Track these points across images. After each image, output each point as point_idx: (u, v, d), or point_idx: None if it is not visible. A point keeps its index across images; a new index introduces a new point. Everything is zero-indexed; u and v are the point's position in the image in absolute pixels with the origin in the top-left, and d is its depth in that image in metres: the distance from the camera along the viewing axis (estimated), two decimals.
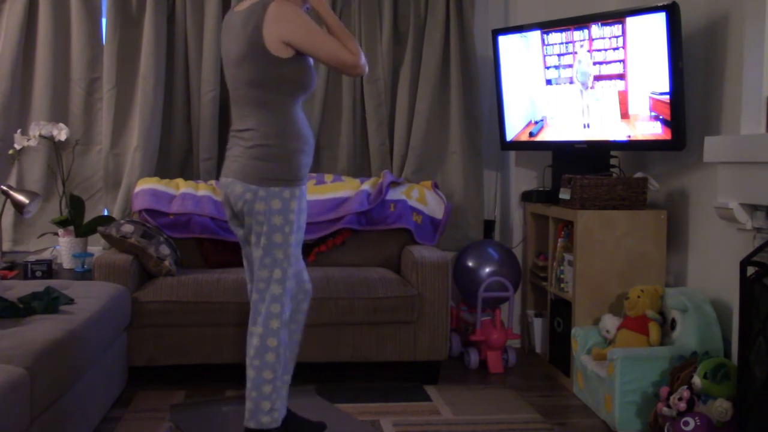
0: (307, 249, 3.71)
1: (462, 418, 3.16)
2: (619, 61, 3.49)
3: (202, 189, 3.94)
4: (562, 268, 3.68)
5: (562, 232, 3.73)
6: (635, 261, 3.46)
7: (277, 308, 2.57)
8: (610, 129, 3.61)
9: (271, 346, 2.57)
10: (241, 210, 2.57)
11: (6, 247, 4.04)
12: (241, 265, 3.81)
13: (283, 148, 2.54)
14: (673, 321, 3.17)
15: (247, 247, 2.72)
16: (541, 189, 4.10)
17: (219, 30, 4.10)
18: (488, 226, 4.38)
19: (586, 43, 3.62)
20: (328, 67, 2.60)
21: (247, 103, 2.57)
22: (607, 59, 3.55)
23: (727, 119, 3.19)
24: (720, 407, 2.64)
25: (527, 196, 4.15)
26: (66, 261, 3.90)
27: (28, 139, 3.90)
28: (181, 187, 3.94)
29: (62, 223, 3.92)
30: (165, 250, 3.54)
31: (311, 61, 2.60)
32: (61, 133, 3.93)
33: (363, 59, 2.55)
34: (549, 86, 3.88)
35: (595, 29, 3.57)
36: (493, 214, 4.48)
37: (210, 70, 4.10)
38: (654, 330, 3.16)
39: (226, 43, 2.63)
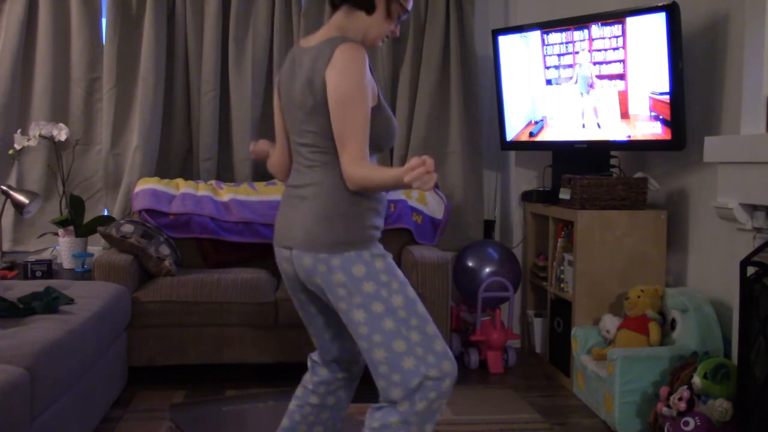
0: None
1: (462, 418, 3.16)
2: (619, 61, 3.49)
3: (202, 189, 3.94)
4: (562, 268, 3.68)
5: (562, 232, 3.73)
6: (635, 261, 3.46)
7: (416, 381, 2.02)
8: (610, 129, 3.61)
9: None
10: (318, 286, 2.07)
11: (6, 247, 4.04)
12: (241, 265, 3.84)
13: (353, 206, 2.05)
14: (673, 321, 3.18)
15: (317, 318, 2.25)
16: (541, 189, 4.10)
17: (219, 30, 4.11)
18: (488, 226, 4.38)
19: (586, 44, 3.62)
20: (338, 144, 2.03)
21: (312, 153, 2.10)
22: (607, 59, 3.55)
23: (727, 119, 3.19)
24: (720, 407, 2.64)
25: (527, 196, 4.15)
26: (66, 261, 3.90)
27: (28, 139, 3.90)
28: (181, 187, 3.94)
29: (62, 223, 3.92)
30: (165, 250, 3.54)
31: (388, 109, 2.13)
32: (61, 133, 3.93)
33: (350, 180, 2.00)
34: (549, 86, 3.88)
35: (595, 29, 3.57)
36: (493, 214, 4.48)
37: (210, 70, 4.10)
38: (654, 330, 3.16)
39: (289, 84, 2.18)
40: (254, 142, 2.44)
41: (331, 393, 2.33)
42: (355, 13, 2.11)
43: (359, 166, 1.99)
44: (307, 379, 2.34)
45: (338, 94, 2.00)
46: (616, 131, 3.58)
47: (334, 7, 2.14)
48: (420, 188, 1.83)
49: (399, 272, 2.07)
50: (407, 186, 1.87)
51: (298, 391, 2.35)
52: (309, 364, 2.35)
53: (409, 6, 2.16)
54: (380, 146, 2.12)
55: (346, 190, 2.05)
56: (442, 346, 2.07)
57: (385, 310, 2.00)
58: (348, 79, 2.00)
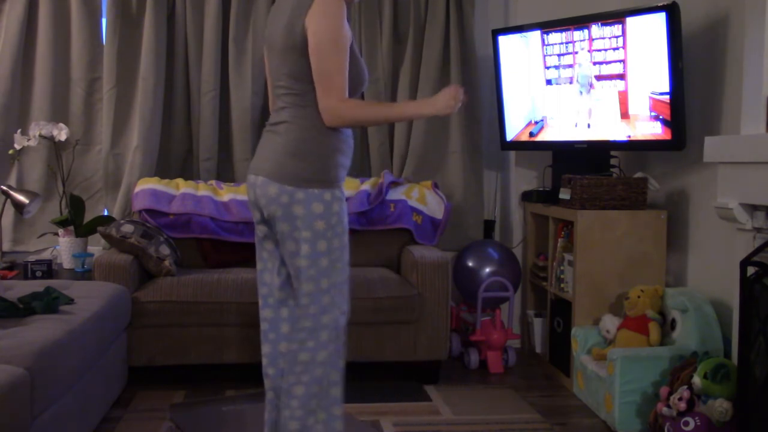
0: None
1: (462, 418, 3.16)
2: (619, 61, 3.49)
3: (202, 189, 3.94)
4: (562, 268, 3.68)
5: (562, 232, 3.73)
6: (635, 261, 3.46)
7: (327, 318, 2.32)
8: (610, 129, 3.61)
9: (319, 360, 2.32)
10: (272, 214, 2.30)
11: (6, 247, 4.04)
12: (241, 265, 3.83)
13: (319, 145, 2.28)
14: (673, 321, 3.18)
15: (269, 249, 2.46)
16: (541, 189, 4.10)
17: (219, 30, 4.11)
18: (488, 226, 4.38)
19: (586, 44, 3.62)
20: (314, 80, 2.25)
21: (286, 95, 2.33)
22: (607, 59, 3.55)
23: (727, 119, 3.19)
24: (720, 407, 2.64)
25: (527, 196, 4.15)
26: (66, 261, 3.90)
27: (28, 139, 3.90)
28: (181, 187, 3.94)
29: (62, 223, 3.92)
30: (165, 250, 3.54)
31: (359, 57, 2.36)
32: (61, 133, 3.93)
33: (337, 117, 2.24)
34: (549, 86, 3.88)
35: (595, 29, 3.57)
36: (493, 214, 4.48)
37: (210, 70, 4.10)
38: (654, 330, 3.16)
39: (270, 29, 2.40)
40: None
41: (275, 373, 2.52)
42: None
43: (348, 103, 2.23)
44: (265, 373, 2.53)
45: (320, 37, 2.19)
46: (616, 131, 3.58)
47: None
48: (443, 109, 2.20)
49: (346, 218, 2.34)
50: (430, 112, 2.27)
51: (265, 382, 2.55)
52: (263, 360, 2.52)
53: None
54: (354, 90, 2.32)
55: (315, 129, 2.27)
56: (347, 291, 2.39)
57: (325, 249, 2.28)
58: (329, 23, 2.19)
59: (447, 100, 2.34)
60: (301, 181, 2.25)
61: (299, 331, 2.34)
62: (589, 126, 3.71)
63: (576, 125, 3.78)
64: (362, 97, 2.43)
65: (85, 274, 3.71)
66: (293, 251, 2.30)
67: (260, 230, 2.45)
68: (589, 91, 3.66)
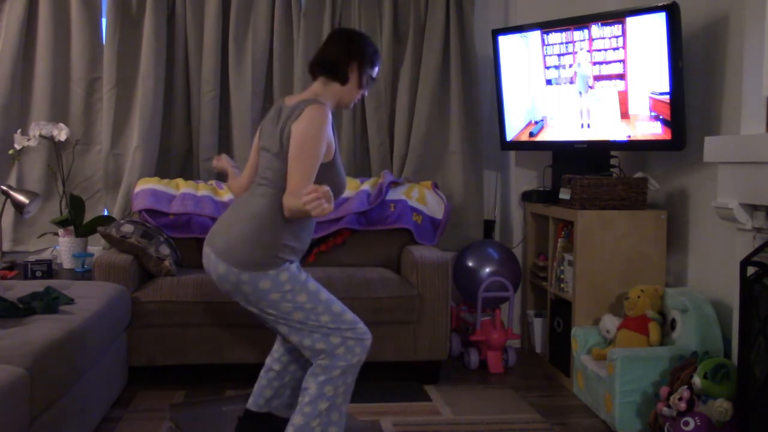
0: (308, 249, 3.70)
1: (462, 418, 3.16)
2: (619, 61, 3.49)
3: (202, 189, 3.94)
4: (562, 268, 3.68)
5: (562, 232, 3.73)
6: (635, 261, 3.46)
7: (342, 350, 2.50)
8: (610, 129, 3.61)
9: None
10: (228, 291, 2.52)
11: (6, 247, 4.04)
12: None
13: (274, 239, 2.44)
14: (673, 321, 3.18)
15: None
16: (541, 189, 4.10)
17: (219, 30, 4.11)
18: (488, 226, 4.38)
19: (586, 44, 3.62)
20: (288, 173, 2.39)
21: (267, 186, 2.49)
22: (607, 59, 3.55)
23: (727, 119, 3.19)
24: (720, 407, 2.64)
25: (527, 196, 4.15)
26: (66, 261, 3.90)
27: (28, 139, 3.90)
28: (181, 187, 3.94)
29: (62, 223, 3.92)
30: (165, 250, 3.54)
31: (341, 167, 2.55)
32: (61, 133, 3.93)
33: (286, 208, 2.37)
34: (549, 86, 3.88)
35: (595, 29, 3.57)
36: (493, 214, 4.48)
37: (210, 70, 4.10)
38: (654, 330, 3.16)
39: (269, 129, 2.55)
40: (218, 157, 2.90)
41: (292, 361, 2.77)
42: (330, 83, 2.54)
43: (292, 197, 2.34)
44: (274, 348, 2.82)
45: (297, 139, 2.39)
46: (616, 131, 3.58)
47: (313, 77, 2.57)
48: (314, 213, 2.17)
49: (301, 274, 2.50)
50: (306, 212, 2.23)
51: (267, 359, 2.83)
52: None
53: (375, 75, 2.62)
54: (334, 195, 2.40)
55: (275, 221, 2.44)
56: (351, 317, 2.54)
57: (293, 308, 2.46)
58: (308, 129, 2.39)
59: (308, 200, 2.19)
60: (248, 265, 2.42)
61: (319, 367, 2.51)
62: (589, 126, 3.71)
63: (576, 125, 3.78)
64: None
65: (85, 274, 3.71)
66: (264, 318, 2.51)
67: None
68: (587, 91, 3.66)
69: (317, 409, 2.47)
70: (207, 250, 2.53)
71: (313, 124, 2.40)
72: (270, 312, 2.47)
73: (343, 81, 2.53)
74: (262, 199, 2.48)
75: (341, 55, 2.51)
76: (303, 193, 2.19)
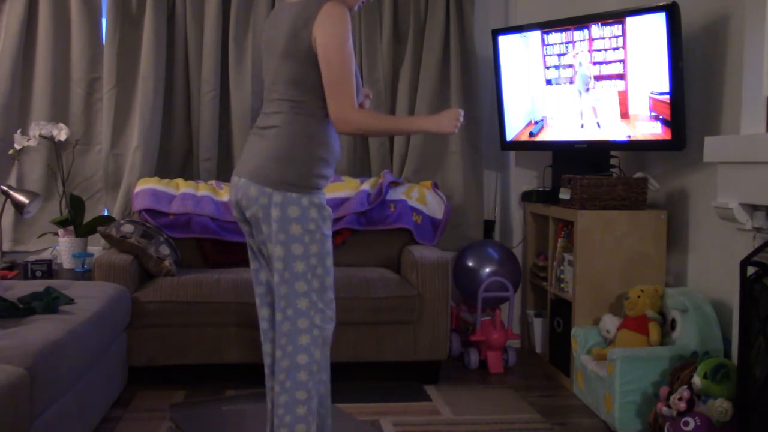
0: None
1: (462, 418, 3.16)
2: (619, 61, 3.49)
3: (202, 189, 3.94)
4: (562, 268, 3.68)
5: (562, 232, 3.73)
6: (635, 261, 3.46)
7: (304, 323, 2.31)
8: (610, 129, 3.61)
9: (300, 363, 2.30)
10: (254, 215, 2.34)
11: (6, 247, 4.04)
12: (241, 265, 3.83)
13: (306, 153, 2.30)
14: (673, 321, 3.18)
15: (258, 253, 2.50)
16: (541, 189, 4.10)
17: (219, 30, 4.11)
18: (488, 226, 4.38)
19: (586, 44, 3.62)
20: (325, 90, 2.27)
21: (280, 100, 2.34)
22: (607, 59, 3.55)
23: (727, 119, 3.19)
24: (720, 407, 2.64)
25: (527, 196, 4.15)
26: (66, 261, 3.90)
27: (28, 139, 3.90)
28: (181, 187, 3.94)
29: (62, 223, 3.92)
30: (165, 250, 3.54)
31: (357, 71, 2.35)
32: (61, 133, 3.93)
33: (346, 123, 2.27)
34: (549, 86, 3.88)
35: (595, 29, 3.57)
36: (493, 214, 4.48)
37: (210, 70, 4.10)
38: (654, 330, 3.16)
39: (271, 33, 2.39)
40: None
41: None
42: None
43: (357, 111, 2.26)
44: (267, 372, 2.57)
45: (329, 46, 2.22)
46: (616, 131, 3.58)
47: None
48: (449, 132, 2.27)
49: (326, 226, 2.34)
50: (433, 130, 2.32)
51: (266, 381, 2.59)
52: (264, 357, 2.55)
53: None
54: None
55: (304, 137, 2.30)
56: (331, 297, 2.38)
57: (301, 253, 2.28)
58: (338, 34, 2.22)
59: (451, 120, 2.39)
60: (280, 183, 2.27)
61: (280, 336, 2.34)
62: (588, 126, 3.71)
63: (576, 125, 3.78)
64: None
65: (85, 274, 3.71)
66: (271, 254, 2.32)
67: (245, 229, 2.47)
68: (587, 91, 3.66)
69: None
70: (235, 179, 2.39)
71: (341, 22, 2.22)
72: (279, 247, 2.27)
73: None
74: (278, 115, 2.33)
75: None
76: (445, 117, 2.26)
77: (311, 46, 2.25)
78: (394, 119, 2.40)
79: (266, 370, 2.54)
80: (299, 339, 2.31)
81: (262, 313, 2.52)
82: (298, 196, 2.27)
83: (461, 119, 2.39)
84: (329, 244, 2.35)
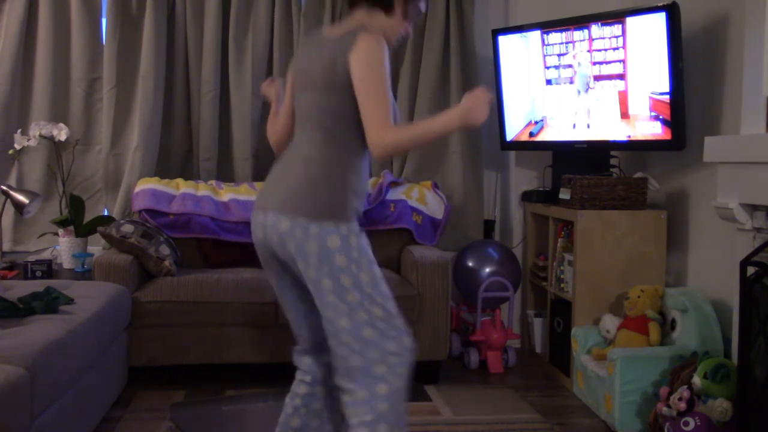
0: None
1: (462, 418, 3.16)
2: (619, 61, 3.49)
3: (202, 189, 3.94)
4: (562, 268, 3.68)
5: (562, 232, 3.73)
6: (635, 261, 3.46)
7: (376, 353, 2.11)
8: (610, 129, 3.61)
9: (381, 393, 2.11)
10: (288, 252, 2.13)
11: (6, 247, 4.04)
12: (241, 265, 3.83)
13: (341, 180, 2.16)
14: (673, 321, 3.18)
15: (292, 291, 2.32)
16: (541, 189, 4.10)
17: (219, 30, 4.11)
18: (488, 226, 4.38)
19: (586, 44, 3.62)
20: (363, 120, 2.15)
21: (314, 130, 2.22)
22: (607, 59, 3.55)
23: (727, 119, 3.19)
24: (720, 407, 2.64)
25: (527, 196, 4.15)
26: (66, 261, 3.90)
27: (28, 139, 3.90)
28: (181, 187, 3.94)
29: (62, 223, 3.92)
30: (165, 250, 3.54)
31: (395, 104, 2.26)
32: (61, 133, 3.93)
33: (377, 146, 2.12)
34: (549, 86, 3.88)
35: (595, 29, 3.57)
36: (493, 214, 4.48)
37: (210, 70, 4.10)
38: (654, 330, 3.16)
39: (304, 64, 2.31)
40: (271, 79, 2.53)
41: (318, 383, 2.38)
42: (374, 12, 2.28)
43: (389, 129, 2.12)
44: (297, 372, 2.42)
45: (364, 73, 2.14)
46: (616, 131, 3.58)
47: (352, 6, 2.31)
48: (478, 119, 2.14)
49: (369, 251, 2.17)
50: (460, 124, 2.16)
51: (292, 385, 2.42)
52: (294, 356, 2.42)
53: (423, 8, 2.37)
54: None
55: (336, 167, 2.17)
56: (401, 324, 2.17)
57: (352, 284, 2.10)
58: (373, 59, 2.14)
59: (478, 106, 2.18)
60: (315, 212, 2.10)
61: (349, 370, 2.14)
62: (588, 126, 3.71)
63: (576, 125, 3.78)
64: None
65: (85, 274, 3.71)
66: (317, 289, 2.13)
67: (273, 269, 2.29)
68: (587, 91, 3.66)
69: None
70: (260, 216, 2.20)
71: (377, 52, 2.15)
72: (326, 283, 2.09)
73: (388, 10, 2.29)
74: (313, 144, 2.20)
75: None
76: (460, 105, 2.13)
77: (348, 76, 2.17)
78: (421, 125, 2.26)
79: (302, 377, 2.41)
80: (374, 370, 2.12)
81: (300, 340, 2.39)
82: (336, 226, 2.10)
83: (489, 98, 2.20)
84: (378, 270, 2.17)
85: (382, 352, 2.12)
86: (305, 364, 2.39)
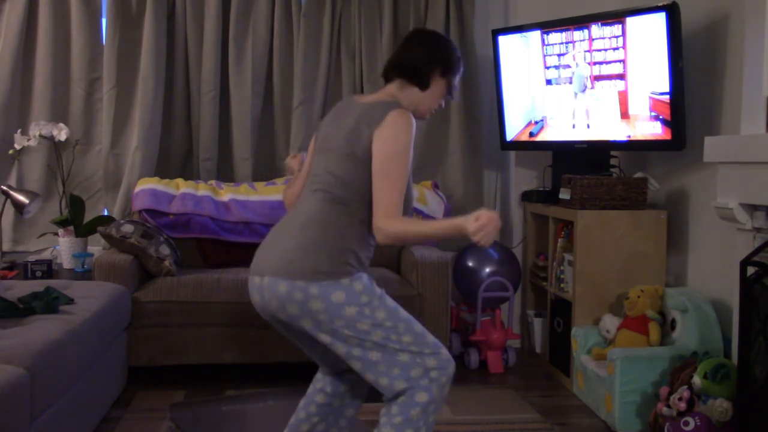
0: None
1: (462, 418, 3.16)
2: (619, 61, 3.49)
3: (202, 189, 3.94)
4: (562, 268, 3.68)
5: (562, 232, 3.73)
6: (635, 261, 3.46)
7: (418, 371, 2.10)
8: (610, 129, 3.61)
9: (419, 400, 2.10)
10: (290, 315, 2.10)
11: (6, 247, 4.04)
12: (241, 265, 3.83)
13: (340, 242, 2.12)
14: (673, 321, 3.18)
15: (302, 338, 2.28)
16: (541, 189, 4.10)
17: (219, 30, 4.11)
18: None
19: (586, 44, 3.62)
20: (374, 197, 2.12)
21: (319, 191, 2.18)
22: (607, 59, 3.55)
23: (727, 119, 3.19)
24: (720, 407, 2.64)
25: (527, 196, 4.15)
26: (66, 261, 3.90)
27: (28, 139, 3.90)
28: (181, 187, 3.94)
29: (62, 223, 3.92)
30: (165, 250, 3.54)
31: (411, 186, 2.21)
32: (61, 133, 3.93)
33: (380, 233, 2.09)
34: (549, 86, 3.88)
35: (595, 29, 3.57)
36: None
37: (210, 70, 4.10)
38: (654, 330, 3.16)
39: (330, 127, 2.28)
40: (294, 155, 2.51)
41: (337, 396, 2.37)
42: (408, 87, 2.26)
43: (394, 219, 2.08)
44: (318, 377, 2.40)
45: (386, 150, 2.10)
46: (616, 131, 3.58)
47: (387, 79, 2.28)
48: (482, 244, 1.99)
49: (375, 287, 2.14)
50: (464, 237, 2.01)
51: (309, 388, 2.41)
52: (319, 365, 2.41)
53: (457, 82, 2.33)
54: (404, 210, 2.17)
55: (337, 227, 2.13)
56: (433, 340, 2.16)
57: (371, 326, 2.08)
58: (397, 139, 2.11)
59: (489, 229, 2.02)
60: (312, 273, 2.06)
61: (397, 394, 2.12)
62: (588, 126, 3.71)
63: (576, 125, 3.78)
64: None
65: (85, 274, 3.71)
66: (332, 344, 2.10)
67: (280, 329, 2.27)
68: (583, 92, 3.66)
69: None
70: (256, 280, 2.15)
71: (403, 132, 2.11)
72: (345, 334, 2.07)
73: (424, 86, 2.26)
74: (320, 204, 2.16)
75: (425, 58, 2.25)
76: (471, 221, 1.98)
77: (369, 148, 2.13)
78: (429, 224, 2.22)
79: (321, 386, 2.39)
80: (420, 383, 2.11)
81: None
82: (335, 282, 2.07)
83: (498, 224, 2.04)
84: (390, 300, 2.15)
85: (423, 368, 2.11)
86: (328, 375, 2.37)
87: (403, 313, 2.15)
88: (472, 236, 2.01)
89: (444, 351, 2.16)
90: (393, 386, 2.10)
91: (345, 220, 2.15)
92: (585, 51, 3.64)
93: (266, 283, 2.11)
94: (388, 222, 2.08)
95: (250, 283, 2.20)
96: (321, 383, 2.38)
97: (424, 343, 2.13)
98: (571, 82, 3.75)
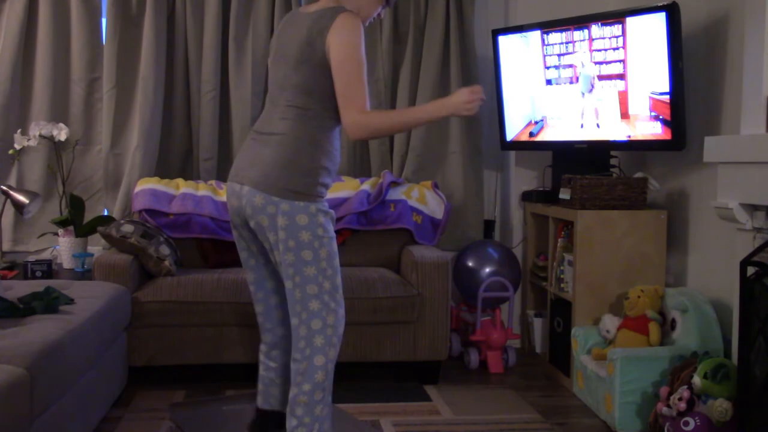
0: None
1: (462, 418, 3.16)
2: (619, 61, 3.49)
3: (202, 189, 3.94)
4: (562, 268, 3.68)
5: (562, 232, 3.73)
6: (635, 261, 3.46)
7: (318, 324, 2.37)
8: (610, 129, 3.61)
9: (317, 364, 2.37)
10: (260, 224, 2.36)
11: (6, 247, 4.04)
12: (241, 265, 3.83)
13: (311, 161, 2.34)
14: (673, 321, 3.18)
15: (254, 259, 2.57)
16: (541, 189, 4.10)
17: (219, 30, 4.11)
18: (488, 226, 4.38)
19: (586, 44, 3.62)
20: (338, 99, 2.30)
21: (287, 107, 2.38)
22: (607, 59, 3.55)
23: (727, 119, 3.19)
24: (720, 407, 2.64)
25: (527, 196, 4.15)
26: (66, 261, 3.90)
27: (28, 139, 3.90)
28: (181, 187, 3.94)
29: (62, 223, 3.92)
30: (165, 250, 3.54)
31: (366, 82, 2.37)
32: (61, 133, 3.93)
33: (360, 128, 2.29)
34: (549, 86, 3.88)
35: (595, 29, 3.57)
36: (493, 214, 4.48)
37: (210, 70, 4.10)
38: (654, 330, 3.16)
39: (282, 41, 2.43)
40: None
41: (283, 353, 2.66)
42: None
43: (367, 113, 2.28)
44: (263, 349, 2.70)
45: (343, 54, 2.26)
46: (616, 131, 3.58)
47: None
48: (473, 113, 2.32)
49: (331, 229, 2.38)
50: (447, 114, 2.39)
51: (260, 356, 2.72)
52: (261, 334, 2.68)
53: None
54: None
55: (308, 145, 2.34)
56: (341, 296, 2.43)
57: (312, 258, 2.33)
58: (352, 44, 2.26)
59: (462, 98, 2.39)
60: (287, 192, 2.30)
61: (298, 339, 2.40)
62: (588, 126, 3.71)
63: (584, 125, 3.78)
64: None
65: (85, 274, 3.71)
66: (280, 261, 2.36)
67: (242, 235, 2.52)
68: (591, 92, 3.66)
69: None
70: (236, 186, 2.40)
71: (355, 33, 2.27)
72: (289, 254, 2.32)
73: None
74: (286, 122, 2.36)
75: None
76: (464, 92, 2.30)
77: (324, 54, 2.29)
78: (403, 112, 2.43)
79: (267, 352, 2.69)
80: (315, 340, 2.36)
81: (259, 306, 2.65)
82: (306, 204, 2.31)
83: (480, 95, 2.38)
84: (335, 245, 2.39)
85: (323, 324, 2.36)
86: (266, 352, 2.69)
87: (337, 262, 2.40)
88: (464, 106, 2.30)
89: (342, 311, 2.41)
90: (298, 330, 2.37)
91: (316, 135, 2.35)
92: (587, 51, 3.64)
93: (245, 192, 2.36)
94: (366, 116, 2.28)
95: (229, 188, 2.44)
96: (270, 351, 2.67)
97: (334, 298, 2.38)
98: (571, 82, 3.75)
